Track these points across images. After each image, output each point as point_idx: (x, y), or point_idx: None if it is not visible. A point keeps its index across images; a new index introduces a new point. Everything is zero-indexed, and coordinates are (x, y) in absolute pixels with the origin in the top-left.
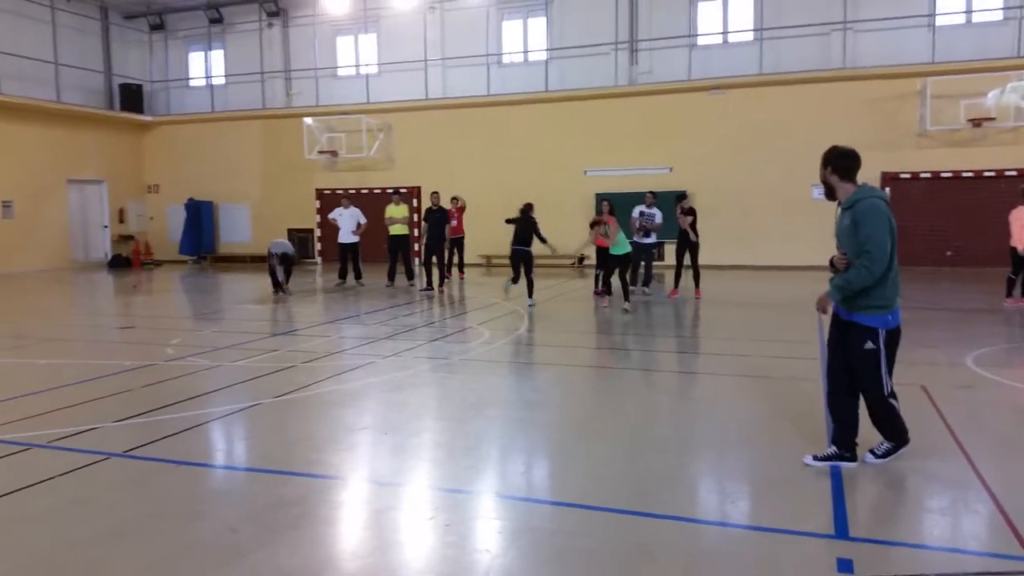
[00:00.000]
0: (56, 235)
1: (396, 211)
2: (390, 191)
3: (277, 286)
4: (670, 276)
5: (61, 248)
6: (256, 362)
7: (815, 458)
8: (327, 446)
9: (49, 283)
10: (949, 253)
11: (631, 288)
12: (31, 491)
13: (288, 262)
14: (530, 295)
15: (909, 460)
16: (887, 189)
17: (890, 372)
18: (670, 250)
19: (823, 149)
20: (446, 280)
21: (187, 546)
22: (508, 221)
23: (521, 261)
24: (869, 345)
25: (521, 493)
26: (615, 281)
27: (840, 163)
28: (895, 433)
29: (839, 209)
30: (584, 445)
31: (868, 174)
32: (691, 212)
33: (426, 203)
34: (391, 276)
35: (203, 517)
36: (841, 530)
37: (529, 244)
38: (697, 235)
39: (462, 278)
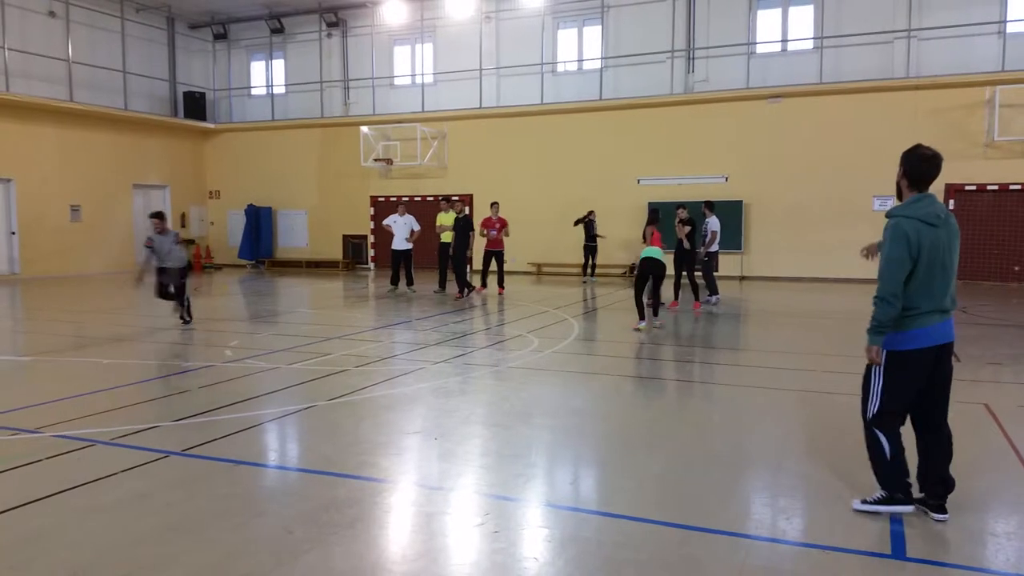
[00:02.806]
0: (121, 238)
1: (447, 218)
2: (442, 199)
3: (183, 310)
4: (725, 288)
5: (126, 251)
6: (311, 365)
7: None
8: (379, 449)
9: (113, 284)
10: (1017, 268)
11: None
12: (96, 485)
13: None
14: (655, 312)
15: (972, 481)
16: (951, 202)
17: (885, 398)
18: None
19: (885, 160)
20: (467, 290)
21: (245, 544)
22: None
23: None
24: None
25: (570, 502)
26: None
27: (914, 167)
28: (884, 478)
29: None
30: (634, 456)
31: (933, 186)
32: (689, 223)
33: (481, 211)
34: (442, 283)
35: (260, 516)
36: (898, 550)
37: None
38: (692, 245)
39: (483, 290)
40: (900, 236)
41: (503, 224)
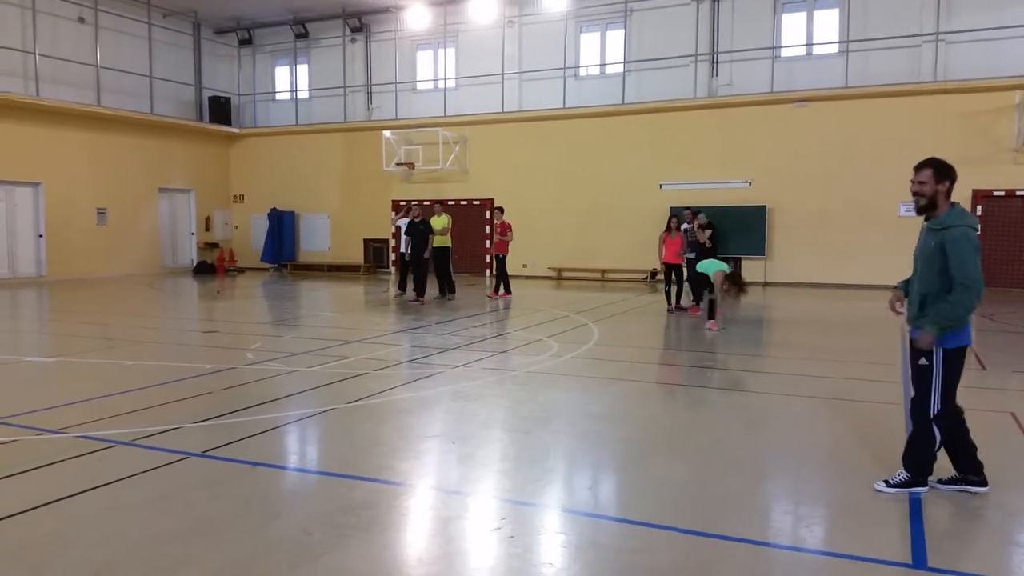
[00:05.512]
0: (147, 241)
1: (438, 222)
2: (463, 203)
3: None
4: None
5: (151, 254)
6: (331, 368)
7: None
8: (397, 452)
9: (138, 287)
10: None
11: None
12: (118, 485)
13: None
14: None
15: (996, 490)
16: (979, 208)
17: (945, 396)
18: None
19: (911, 165)
20: (424, 296)
21: (264, 545)
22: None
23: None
24: (923, 361)
25: (587, 508)
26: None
27: (953, 178)
28: (918, 465)
29: (926, 225)
30: (652, 462)
31: (959, 192)
32: (710, 226)
33: (500, 215)
34: (451, 288)
35: (278, 518)
36: (919, 560)
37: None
38: (715, 249)
39: (507, 296)
40: (974, 246)
41: (505, 228)
